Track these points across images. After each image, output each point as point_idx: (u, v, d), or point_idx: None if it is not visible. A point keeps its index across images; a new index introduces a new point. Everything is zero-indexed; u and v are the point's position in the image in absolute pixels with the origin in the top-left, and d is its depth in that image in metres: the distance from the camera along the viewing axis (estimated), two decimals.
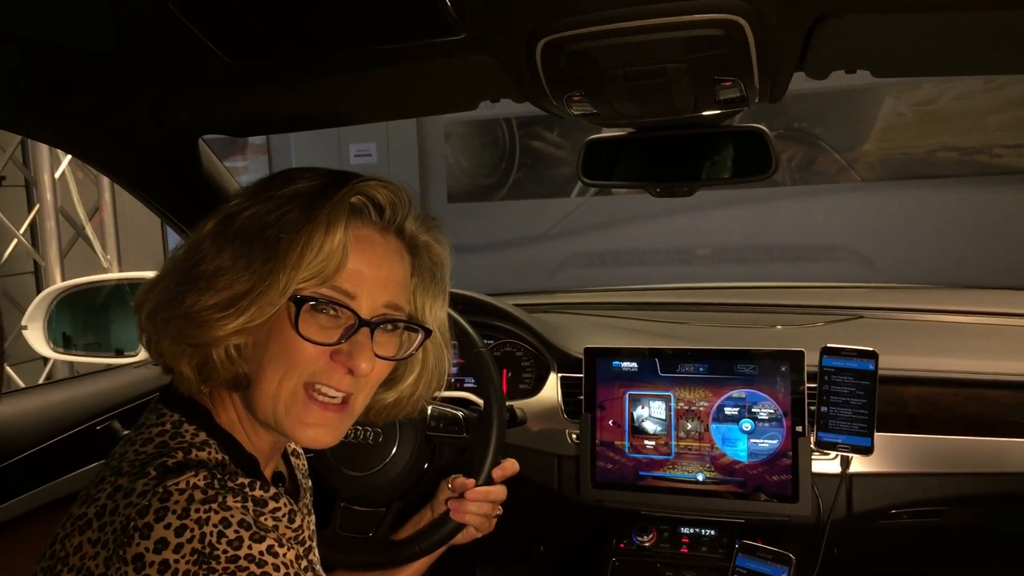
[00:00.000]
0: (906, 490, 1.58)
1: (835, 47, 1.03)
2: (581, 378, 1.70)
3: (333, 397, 0.88)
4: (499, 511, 1.35)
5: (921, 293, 2.24)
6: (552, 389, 1.79)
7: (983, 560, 1.74)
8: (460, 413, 1.42)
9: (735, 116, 1.36)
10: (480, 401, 1.43)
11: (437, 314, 1.01)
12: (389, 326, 0.91)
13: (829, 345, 1.55)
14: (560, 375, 1.80)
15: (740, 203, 4.89)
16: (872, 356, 1.52)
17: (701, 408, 1.62)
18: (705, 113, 1.28)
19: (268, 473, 0.96)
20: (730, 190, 4.65)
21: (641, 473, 1.64)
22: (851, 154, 4.76)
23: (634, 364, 1.66)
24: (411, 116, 3.90)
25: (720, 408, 1.60)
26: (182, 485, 0.75)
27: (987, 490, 1.56)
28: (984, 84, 4.40)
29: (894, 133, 4.66)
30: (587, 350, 1.70)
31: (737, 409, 1.59)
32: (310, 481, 1.14)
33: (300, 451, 1.15)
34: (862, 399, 1.51)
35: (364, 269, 0.87)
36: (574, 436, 1.71)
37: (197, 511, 0.73)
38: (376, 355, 0.89)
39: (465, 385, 1.86)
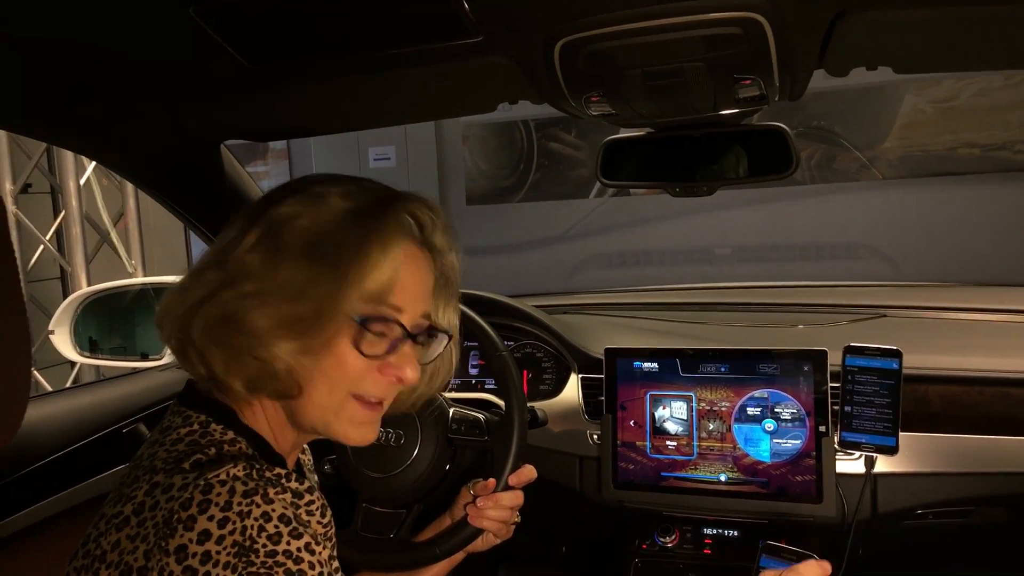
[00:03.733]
0: (932, 490, 1.56)
1: (855, 44, 1.02)
2: (602, 379, 1.69)
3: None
4: (517, 518, 1.35)
5: (944, 291, 2.23)
6: (573, 390, 1.79)
7: (1011, 561, 1.71)
8: (481, 416, 1.43)
9: (754, 115, 1.36)
10: (501, 403, 1.43)
11: (451, 317, 1.05)
12: (423, 336, 0.95)
13: (852, 344, 1.54)
14: (581, 376, 1.80)
15: (760, 202, 4.85)
16: (896, 355, 1.50)
17: (723, 408, 1.61)
18: (724, 112, 1.28)
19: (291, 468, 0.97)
20: (750, 189, 4.62)
21: (663, 474, 1.64)
22: (871, 152, 4.72)
23: (655, 364, 1.66)
24: (429, 119, 3.90)
25: (742, 408, 1.60)
26: (222, 476, 0.76)
27: (1014, 490, 1.54)
28: (1005, 79, 4.35)
29: (915, 130, 4.61)
30: (607, 351, 1.69)
31: (759, 409, 1.59)
32: (316, 476, 1.16)
33: (306, 446, 1.16)
34: (886, 398, 1.50)
35: (409, 284, 0.91)
36: (595, 437, 1.71)
37: (239, 504, 0.74)
38: None
39: (486, 387, 1.87)
